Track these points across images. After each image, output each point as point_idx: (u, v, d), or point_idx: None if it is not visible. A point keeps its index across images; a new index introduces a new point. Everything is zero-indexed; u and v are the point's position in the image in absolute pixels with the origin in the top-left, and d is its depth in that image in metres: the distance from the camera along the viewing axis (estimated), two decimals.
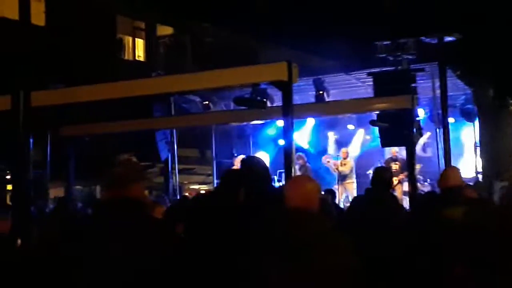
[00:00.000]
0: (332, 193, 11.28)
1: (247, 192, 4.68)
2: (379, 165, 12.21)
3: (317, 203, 3.93)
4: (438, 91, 11.98)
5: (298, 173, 14.78)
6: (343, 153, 15.43)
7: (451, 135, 11.92)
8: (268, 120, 14.43)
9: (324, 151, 17.00)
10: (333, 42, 18.06)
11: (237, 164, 14.75)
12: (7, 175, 16.32)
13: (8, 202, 13.19)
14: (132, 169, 3.87)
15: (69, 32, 19.23)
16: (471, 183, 8.77)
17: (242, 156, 14.86)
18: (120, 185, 3.62)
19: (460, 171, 5.84)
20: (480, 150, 14.02)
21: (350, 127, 16.66)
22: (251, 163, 5.08)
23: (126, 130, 14.14)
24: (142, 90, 12.28)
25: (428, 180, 14.31)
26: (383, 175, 6.40)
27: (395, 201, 6.58)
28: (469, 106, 14.18)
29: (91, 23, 20.19)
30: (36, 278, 4.29)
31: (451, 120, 12.72)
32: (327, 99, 13.18)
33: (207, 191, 14.30)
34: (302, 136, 16.70)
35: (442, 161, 12.09)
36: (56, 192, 15.04)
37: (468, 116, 14.28)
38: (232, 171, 6.25)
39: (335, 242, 3.70)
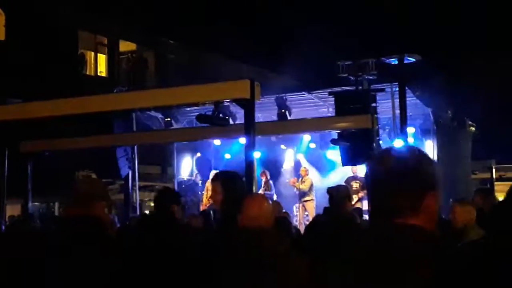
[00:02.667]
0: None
1: (226, 206, 4.67)
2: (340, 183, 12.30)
3: (272, 222, 3.93)
4: (398, 111, 12.15)
5: (261, 189, 14.81)
6: (302, 171, 15.51)
7: None
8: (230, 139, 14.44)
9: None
10: (296, 61, 18.23)
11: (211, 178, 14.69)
12: None
13: None
14: (97, 187, 3.86)
15: (29, 46, 19.01)
16: None
17: (215, 171, 14.86)
18: (84, 203, 3.61)
19: None
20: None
21: (312, 145, 16.76)
22: (226, 177, 5.02)
23: (87, 146, 13.99)
24: (104, 106, 12.19)
25: None
26: (340, 193, 6.44)
27: (353, 219, 6.62)
28: (427, 126, 14.42)
29: (53, 37, 20.00)
30: None
31: (410, 140, 12.91)
32: (289, 118, 13.27)
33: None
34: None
35: None
36: (13, 208, 14.77)
37: (426, 136, 14.53)
38: (164, 190, 6.25)
39: (292, 261, 3.70)
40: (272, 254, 3.66)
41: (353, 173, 14.85)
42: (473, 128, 14.32)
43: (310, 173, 15.75)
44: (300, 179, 15.28)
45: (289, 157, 17.55)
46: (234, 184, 4.80)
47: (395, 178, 1.99)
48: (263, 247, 3.70)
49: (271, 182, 15.66)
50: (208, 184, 15.25)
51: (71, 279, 3.43)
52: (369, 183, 2.10)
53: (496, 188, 16.54)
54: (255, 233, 3.77)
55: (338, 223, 6.07)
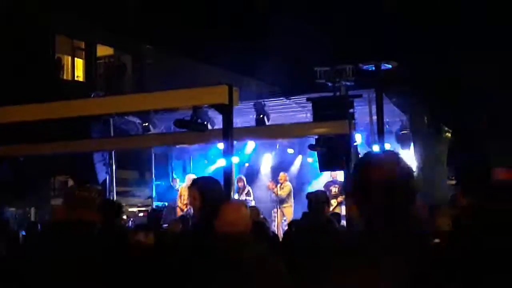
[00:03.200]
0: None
1: (204, 212, 4.68)
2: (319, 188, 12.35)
3: (249, 227, 3.95)
4: (375, 117, 12.25)
5: (237, 195, 14.82)
6: (281, 177, 15.51)
7: None
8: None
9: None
10: (274, 67, 18.29)
11: (188, 183, 14.69)
12: None
13: None
14: (94, 193, 4.08)
15: (6, 50, 18.84)
16: None
17: (192, 175, 14.84)
18: (84, 208, 3.81)
19: None
20: (415, 176, 14.32)
21: (290, 151, 16.80)
22: (203, 183, 5.01)
23: (64, 151, 13.90)
24: (81, 111, 12.13)
25: None
26: (318, 199, 6.49)
27: (331, 224, 6.67)
28: (404, 132, 14.54)
29: (30, 42, 19.84)
30: None
31: (387, 145, 13.00)
32: (267, 123, 13.31)
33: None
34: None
35: None
36: None
37: (403, 142, 14.64)
38: (107, 201, 6.31)
39: (270, 266, 3.72)
40: (250, 259, 3.68)
41: (332, 178, 14.91)
42: (449, 134, 14.46)
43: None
44: (278, 185, 15.29)
45: (267, 162, 17.55)
46: (212, 190, 4.80)
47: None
48: (241, 253, 3.72)
49: (249, 188, 15.67)
50: (182, 189, 15.21)
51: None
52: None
53: None
54: (232, 238, 3.78)
55: (316, 227, 6.12)
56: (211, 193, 4.71)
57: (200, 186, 4.80)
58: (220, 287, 3.64)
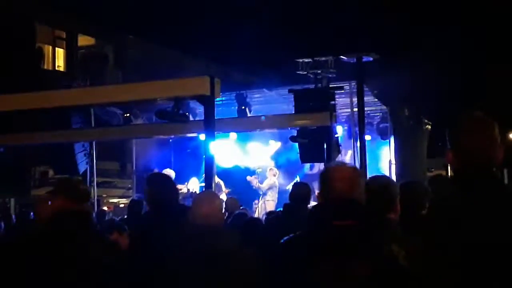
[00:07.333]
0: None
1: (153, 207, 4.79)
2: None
3: (222, 219, 3.99)
4: (356, 109, 12.31)
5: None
6: (269, 170, 15.48)
7: (371, 152, 12.24)
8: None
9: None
10: (256, 58, 18.28)
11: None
12: None
13: None
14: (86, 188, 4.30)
15: None
16: None
17: (168, 170, 14.82)
18: (82, 200, 3.92)
19: None
20: (395, 168, 14.45)
21: (272, 142, 16.78)
22: (156, 179, 5.15)
23: (44, 142, 13.82)
24: (62, 101, 12.05)
25: None
26: (300, 190, 6.53)
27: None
28: (385, 124, 14.64)
29: (9, 31, 19.64)
30: None
31: (367, 137, 13.07)
32: (249, 114, 13.32)
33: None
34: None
35: None
36: None
37: (383, 134, 14.74)
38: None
39: (244, 258, 3.74)
40: (223, 251, 3.70)
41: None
42: (429, 126, 14.58)
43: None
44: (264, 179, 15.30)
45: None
46: (156, 183, 4.92)
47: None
48: (214, 244, 3.74)
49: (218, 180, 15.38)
50: None
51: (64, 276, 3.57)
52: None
53: None
54: (205, 230, 3.80)
55: (296, 219, 6.14)
56: (156, 187, 4.83)
57: (148, 181, 4.96)
58: (194, 279, 3.66)
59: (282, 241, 2.85)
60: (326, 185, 2.78)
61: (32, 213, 8.17)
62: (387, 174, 14.91)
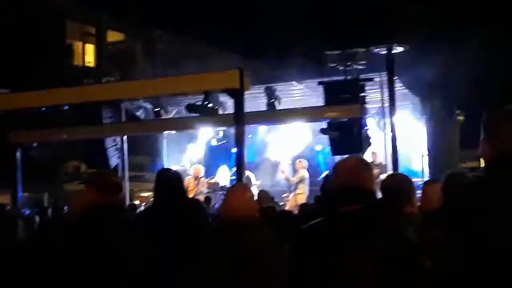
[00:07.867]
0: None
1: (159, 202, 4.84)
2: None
3: (256, 211, 3.95)
4: (386, 101, 12.18)
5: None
6: (297, 163, 15.38)
7: (401, 143, 12.10)
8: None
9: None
10: (286, 51, 18.20)
11: (193, 173, 14.65)
12: None
13: None
14: (118, 179, 4.37)
15: (16, 36, 18.89)
16: None
17: (198, 165, 14.81)
18: (115, 192, 4.00)
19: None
20: (428, 159, 14.29)
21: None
22: (163, 174, 5.14)
23: (76, 137, 13.96)
24: (92, 96, 12.18)
25: None
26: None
27: None
28: (416, 115, 14.47)
29: (40, 27, 19.87)
30: None
31: (399, 128, 12.90)
32: (278, 107, 13.26)
33: None
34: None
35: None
36: (1, 199, 14.72)
37: (416, 125, 14.57)
38: None
39: (273, 257, 3.67)
40: (252, 251, 3.66)
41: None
42: (462, 117, 14.38)
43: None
44: (294, 172, 15.21)
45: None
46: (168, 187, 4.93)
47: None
48: (242, 238, 3.70)
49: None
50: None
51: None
52: None
53: None
54: (235, 227, 3.75)
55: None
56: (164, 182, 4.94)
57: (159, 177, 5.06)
58: (223, 272, 3.63)
59: (301, 229, 2.89)
60: (333, 175, 2.92)
61: (66, 207, 8.25)
62: (420, 166, 14.77)
